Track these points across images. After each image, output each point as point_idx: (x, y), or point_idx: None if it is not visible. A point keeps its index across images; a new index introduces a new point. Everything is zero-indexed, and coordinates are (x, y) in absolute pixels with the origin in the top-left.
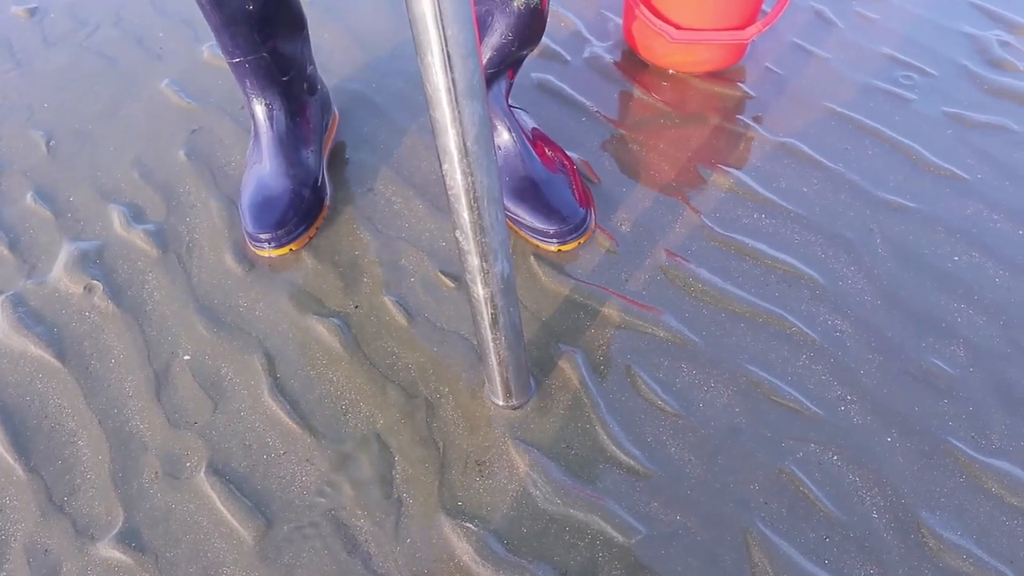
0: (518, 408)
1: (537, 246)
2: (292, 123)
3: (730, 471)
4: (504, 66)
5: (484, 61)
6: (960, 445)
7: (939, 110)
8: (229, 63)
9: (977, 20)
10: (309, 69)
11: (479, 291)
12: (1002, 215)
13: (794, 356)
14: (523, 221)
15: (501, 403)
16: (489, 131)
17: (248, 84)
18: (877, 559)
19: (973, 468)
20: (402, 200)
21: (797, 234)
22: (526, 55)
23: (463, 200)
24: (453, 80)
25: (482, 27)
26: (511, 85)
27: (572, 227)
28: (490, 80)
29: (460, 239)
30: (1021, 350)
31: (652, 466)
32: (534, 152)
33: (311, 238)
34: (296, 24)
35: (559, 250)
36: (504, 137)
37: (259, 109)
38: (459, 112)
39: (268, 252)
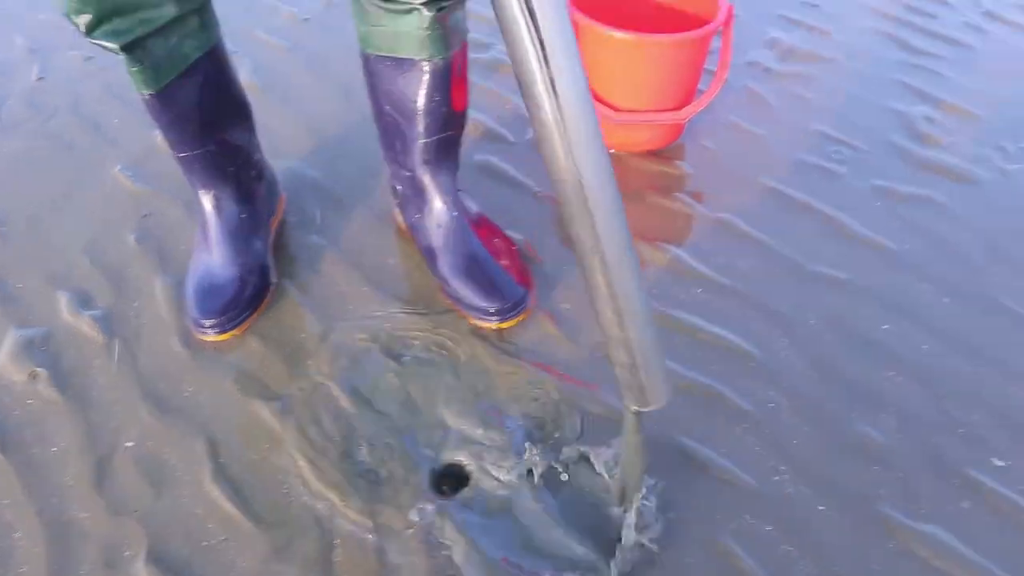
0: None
1: (479, 325)
2: (239, 211)
3: (666, 545)
4: (445, 137)
5: (422, 130)
6: (891, 512)
7: (869, 183)
8: (176, 157)
9: (905, 97)
10: (256, 156)
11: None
12: (930, 284)
13: (729, 428)
14: (464, 299)
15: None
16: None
17: (195, 177)
18: None
19: (903, 534)
20: (348, 282)
21: (733, 309)
22: (461, 125)
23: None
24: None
25: (409, 109)
26: (457, 167)
27: (512, 304)
28: (438, 160)
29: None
30: (949, 417)
31: (588, 545)
32: (476, 233)
33: (255, 321)
34: (241, 114)
35: (499, 327)
36: (447, 217)
37: (206, 200)
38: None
39: (212, 338)
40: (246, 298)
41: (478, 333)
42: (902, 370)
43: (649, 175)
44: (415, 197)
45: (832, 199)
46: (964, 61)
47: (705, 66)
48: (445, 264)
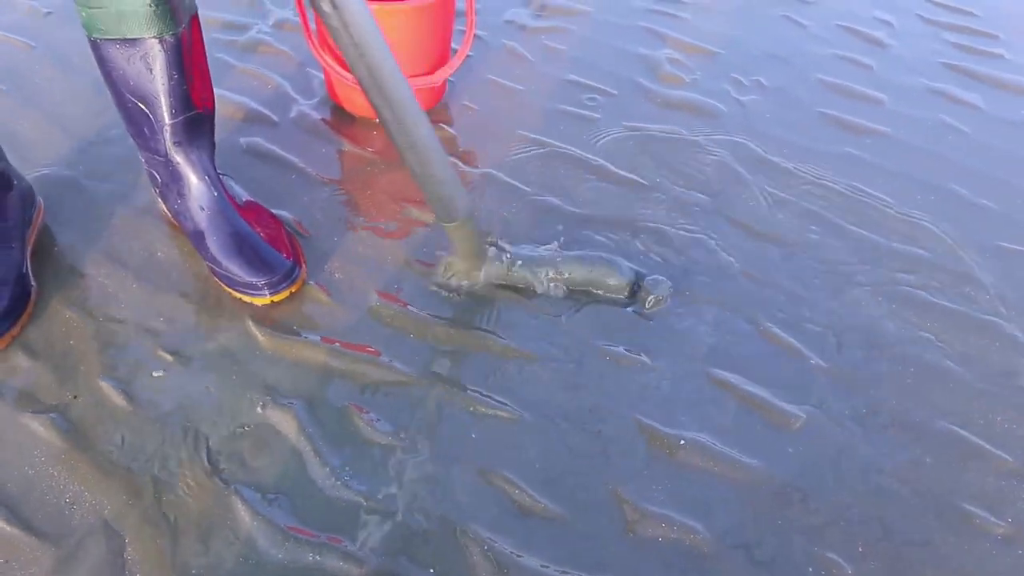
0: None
1: (252, 302)
2: None
3: (450, 488)
4: (192, 116)
5: (166, 112)
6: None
7: (621, 125)
8: None
9: (650, 42)
10: (0, 166)
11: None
12: (677, 212)
13: (500, 368)
14: (235, 277)
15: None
16: None
17: None
18: (597, 541)
19: None
20: (115, 282)
21: None
22: (208, 101)
23: None
24: None
25: (148, 91)
26: (214, 147)
27: (282, 276)
28: (190, 140)
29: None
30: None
31: (377, 497)
32: (240, 213)
33: (15, 336)
34: None
35: (272, 301)
36: (208, 197)
37: None
38: None
39: None
40: (2, 311)
41: (254, 317)
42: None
43: None
44: (173, 182)
45: (588, 144)
46: (702, 5)
47: (458, 27)
48: (212, 245)
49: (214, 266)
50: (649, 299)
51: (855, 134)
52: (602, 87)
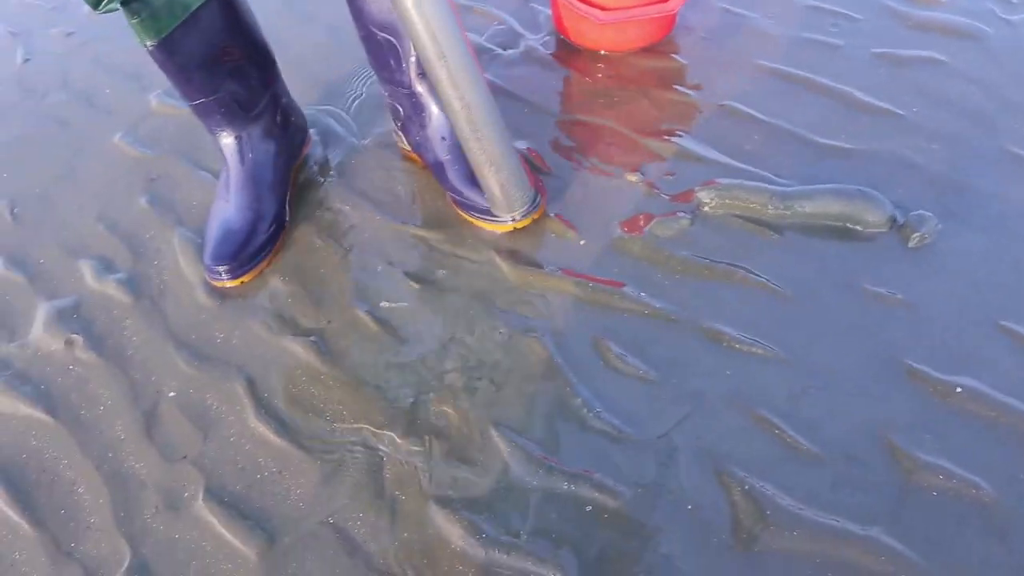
0: (523, 215)
1: (494, 229)
2: (260, 156)
3: (703, 423)
4: None
5: (410, 46)
6: None
7: (868, 52)
8: (190, 106)
9: None
10: (283, 101)
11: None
12: (941, 143)
13: (750, 303)
14: (478, 204)
15: (508, 217)
16: None
17: (211, 122)
18: (862, 482)
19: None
20: (359, 214)
21: None
22: None
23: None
24: None
25: (397, 25)
26: None
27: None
28: None
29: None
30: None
31: (630, 429)
32: None
33: (268, 265)
34: (257, 61)
35: (515, 227)
36: (450, 128)
37: (225, 143)
38: None
39: (225, 283)
40: (260, 243)
41: (497, 247)
42: None
43: (646, 71)
44: (416, 114)
45: (833, 72)
46: None
47: None
48: (454, 174)
49: (455, 195)
50: (914, 236)
51: None
52: (845, 11)
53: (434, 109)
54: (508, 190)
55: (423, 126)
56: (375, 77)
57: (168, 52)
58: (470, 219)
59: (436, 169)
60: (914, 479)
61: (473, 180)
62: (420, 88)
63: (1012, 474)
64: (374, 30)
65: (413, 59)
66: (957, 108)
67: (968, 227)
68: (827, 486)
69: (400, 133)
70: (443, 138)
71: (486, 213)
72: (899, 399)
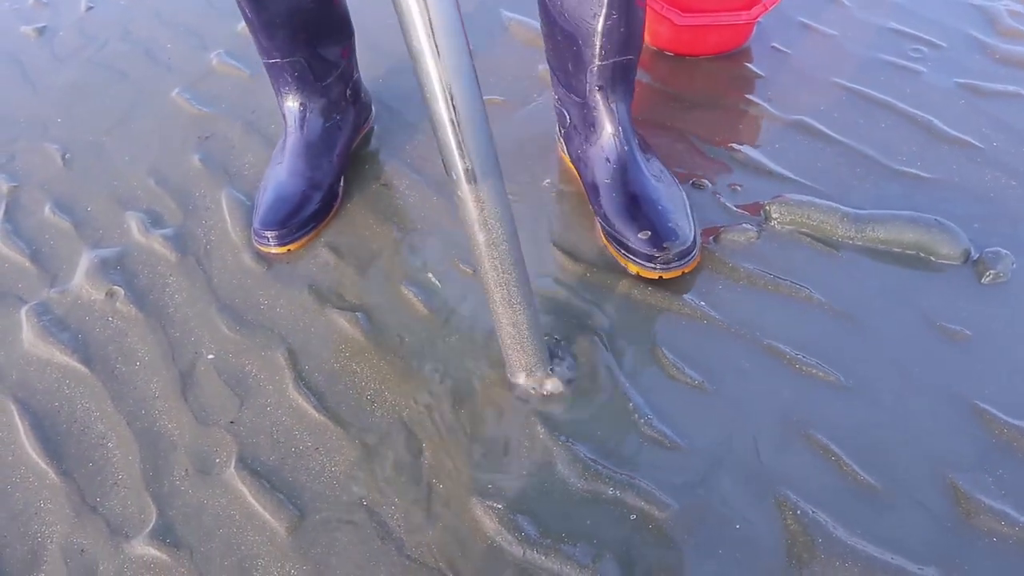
0: (541, 385)
1: (639, 272)
2: (323, 127)
3: (758, 441)
4: (620, 61)
5: (598, 50)
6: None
7: (950, 81)
8: (264, 63)
9: None
10: (355, 76)
11: (464, 192)
12: (1019, 180)
13: (813, 324)
14: (626, 242)
15: (522, 381)
16: (459, 24)
17: (281, 84)
18: (919, 520)
19: None
20: (415, 194)
21: None
22: (639, 48)
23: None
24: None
25: (586, 27)
26: (632, 97)
27: (678, 253)
28: (612, 78)
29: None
30: None
31: (680, 439)
32: (647, 174)
33: (318, 236)
34: (339, 31)
35: (661, 277)
36: (618, 151)
37: (290, 108)
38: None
39: (272, 249)
40: (311, 212)
41: (555, 241)
42: None
43: (719, 78)
44: (584, 126)
45: (912, 97)
46: None
47: None
48: (608, 202)
49: (605, 224)
50: (989, 273)
51: None
52: (928, 38)
53: (607, 127)
54: (516, 355)
55: (589, 141)
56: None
57: (258, 4)
58: (614, 253)
59: (591, 191)
60: (973, 522)
61: (629, 214)
62: (596, 101)
63: None
64: (559, 27)
65: (595, 68)
66: None
67: None
68: (884, 521)
69: (562, 140)
70: (607, 160)
71: (636, 255)
72: (963, 439)
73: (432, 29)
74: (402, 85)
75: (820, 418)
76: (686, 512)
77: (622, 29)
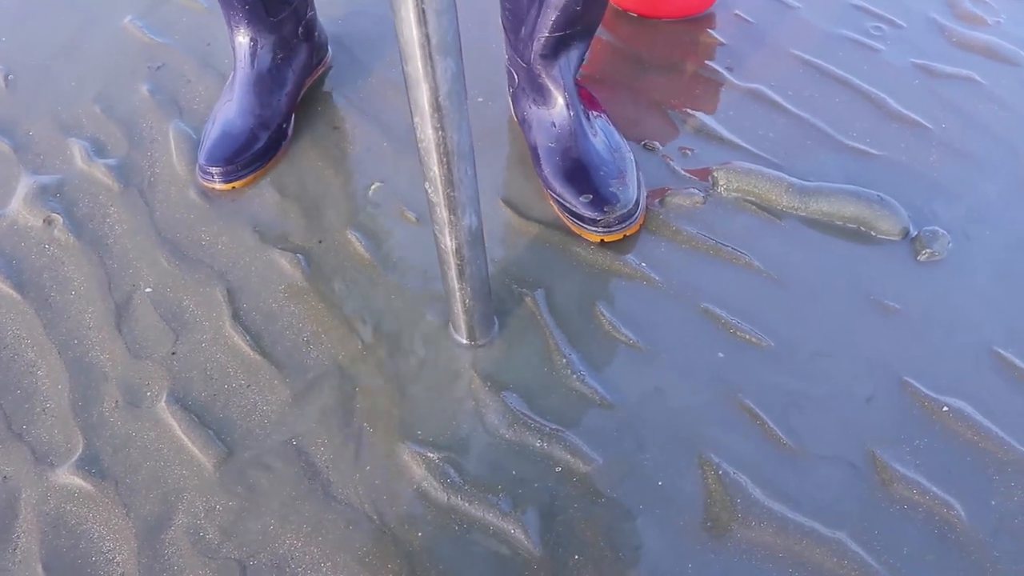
0: (481, 346)
1: (580, 234)
2: (273, 64)
3: (688, 401)
4: (571, 34)
5: (549, 22)
6: None
7: (907, 61)
8: None
9: None
10: (309, 14)
11: (447, 242)
12: (965, 165)
13: (750, 290)
14: (568, 205)
15: (464, 341)
16: (462, 87)
17: (232, 17)
18: (837, 485)
19: None
20: (366, 139)
21: None
22: (595, 23)
23: (433, 155)
24: (427, 35)
25: None
26: (581, 62)
27: (620, 216)
28: (557, 49)
29: (429, 191)
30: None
31: (610, 396)
32: (591, 138)
33: (264, 175)
34: None
35: (602, 240)
36: (562, 115)
37: (240, 43)
38: (432, 68)
39: (216, 185)
40: (258, 150)
41: (505, 198)
42: None
43: (681, 42)
44: (530, 90)
45: (868, 74)
46: None
47: None
48: (552, 167)
49: (549, 189)
50: (925, 251)
51: None
52: (890, 16)
53: (552, 93)
54: (473, 327)
55: (535, 104)
56: None
57: None
58: (559, 213)
59: (533, 153)
60: (889, 490)
61: (570, 178)
62: (539, 67)
63: (985, 500)
64: None
65: (543, 39)
66: (987, 131)
67: (979, 251)
68: (802, 484)
69: (511, 100)
70: (553, 124)
71: (577, 218)
72: (886, 409)
73: None
74: (362, 28)
75: (750, 382)
76: (610, 467)
77: (577, 8)
